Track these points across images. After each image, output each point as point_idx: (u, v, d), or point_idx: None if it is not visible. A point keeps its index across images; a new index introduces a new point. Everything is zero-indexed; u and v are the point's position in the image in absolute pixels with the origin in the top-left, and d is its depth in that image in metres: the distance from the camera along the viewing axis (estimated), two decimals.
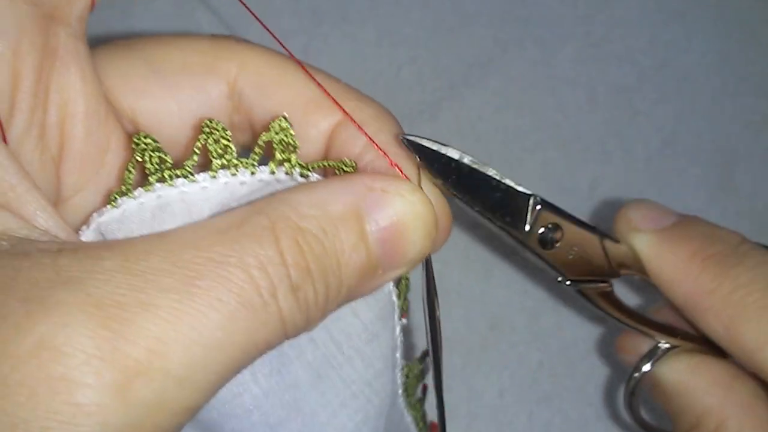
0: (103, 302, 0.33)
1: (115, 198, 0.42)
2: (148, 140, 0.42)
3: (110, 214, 0.42)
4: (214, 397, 0.36)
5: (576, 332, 0.77)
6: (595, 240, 0.53)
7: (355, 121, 0.46)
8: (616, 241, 0.55)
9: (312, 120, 0.46)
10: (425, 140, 0.47)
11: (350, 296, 0.41)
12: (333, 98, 0.47)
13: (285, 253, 0.37)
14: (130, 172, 0.42)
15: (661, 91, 0.84)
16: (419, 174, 0.46)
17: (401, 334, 0.49)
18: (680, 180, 0.82)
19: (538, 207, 0.50)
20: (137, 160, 0.42)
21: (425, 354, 0.53)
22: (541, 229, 0.51)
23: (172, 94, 0.46)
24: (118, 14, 0.84)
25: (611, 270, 0.54)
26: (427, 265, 0.48)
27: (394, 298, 0.48)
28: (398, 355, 0.49)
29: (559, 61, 0.85)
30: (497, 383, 0.75)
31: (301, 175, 0.43)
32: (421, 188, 0.44)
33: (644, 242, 0.55)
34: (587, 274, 0.53)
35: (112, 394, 0.31)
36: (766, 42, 0.86)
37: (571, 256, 0.51)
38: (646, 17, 0.87)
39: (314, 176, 0.44)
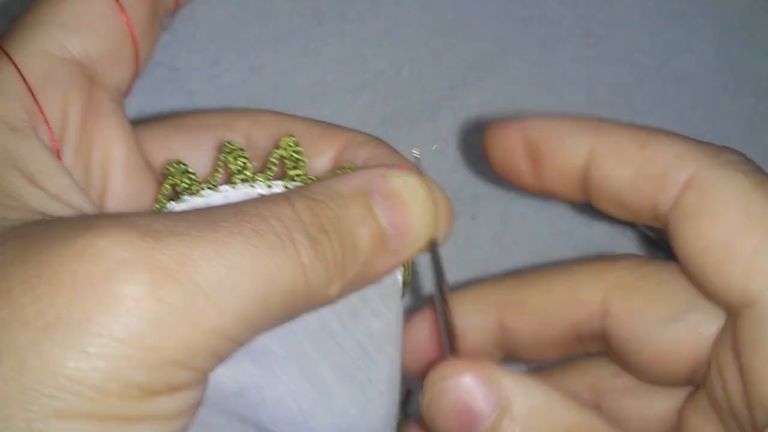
0: (137, 225, 0.36)
1: (156, 210, 0.47)
2: (179, 165, 0.48)
3: None
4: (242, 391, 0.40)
5: None
6: None
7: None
8: None
9: (317, 150, 0.52)
10: None
11: (367, 271, 0.44)
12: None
13: (300, 212, 0.41)
14: (163, 194, 0.47)
15: (661, 91, 0.84)
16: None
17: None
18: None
19: None
20: (169, 186, 0.48)
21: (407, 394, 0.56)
22: None
23: (195, 145, 0.51)
24: None
25: None
26: (435, 256, 0.50)
27: (400, 284, 0.51)
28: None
29: (559, 61, 0.85)
30: None
31: None
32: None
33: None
34: None
35: (145, 291, 0.34)
36: (766, 42, 0.86)
37: None
38: (646, 17, 0.87)
39: None
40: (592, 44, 0.85)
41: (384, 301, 0.49)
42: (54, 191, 0.43)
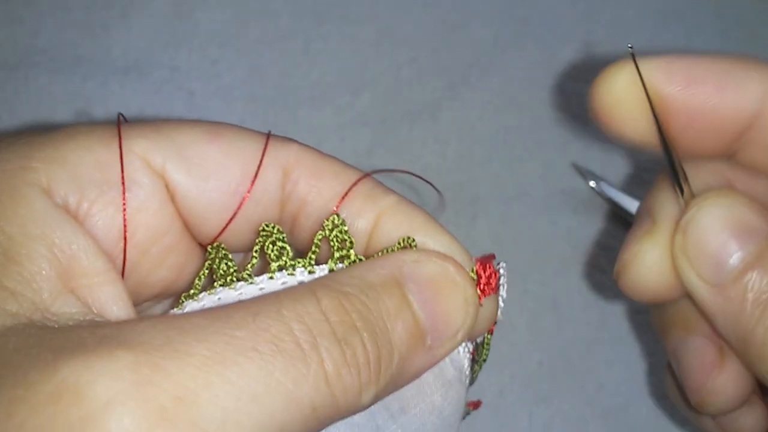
0: (134, 347, 0.32)
1: (182, 301, 0.44)
2: (220, 249, 0.45)
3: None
4: None
5: (576, 332, 0.77)
6: None
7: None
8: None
9: (359, 210, 0.46)
10: None
11: (403, 369, 0.40)
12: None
13: (327, 311, 0.37)
14: (199, 278, 0.45)
15: None
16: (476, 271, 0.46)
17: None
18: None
19: None
20: (208, 269, 0.45)
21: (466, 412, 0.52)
22: None
23: (231, 159, 0.46)
24: (117, 14, 0.84)
25: None
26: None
27: (467, 382, 0.47)
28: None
29: (559, 61, 0.85)
30: (497, 383, 0.75)
31: None
32: (462, 268, 0.44)
33: (703, 294, 0.46)
34: None
35: None
36: (766, 42, 0.86)
37: None
38: (646, 17, 0.87)
39: None
40: (592, 44, 0.86)
41: (444, 392, 0.44)
42: (72, 284, 0.39)
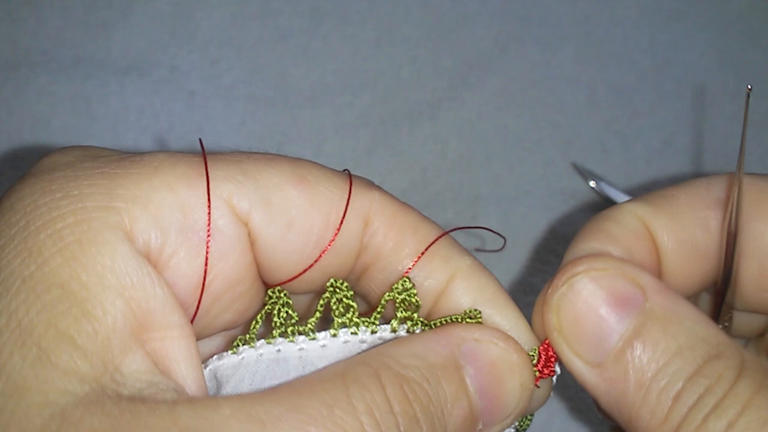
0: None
1: (238, 345, 0.43)
2: (281, 295, 0.44)
3: (229, 359, 0.43)
4: None
5: None
6: None
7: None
8: None
9: (432, 272, 0.46)
10: None
11: None
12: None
13: (392, 400, 0.37)
14: (257, 322, 0.43)
15: (661, 91, 0.84)
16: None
17: None
18: (680, 180, 0.82)
19: None
20: (267, 313, 0.44)
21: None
22: None
23: (315, 208, 0.45)
24: (117, 14, 0.84)
25: None
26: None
27: None
28: None
29: (559, 61, 0.85)
30: None
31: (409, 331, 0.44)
32: (518, 344, 0.44)
33: (585, 375, 0.44)
34: None
35: None
36: (766, 42, 0.86)
37: None
38: (646, 17, 0.87)
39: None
40: (592, 44, 0.86)
41: None
42: (143, 336, 0.39)
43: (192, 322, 0.42)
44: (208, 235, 0.41)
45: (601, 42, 0.86)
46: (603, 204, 0.80)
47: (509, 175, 0.81)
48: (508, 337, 0.43)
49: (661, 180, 0.82)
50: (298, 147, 0.80)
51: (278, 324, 0.43)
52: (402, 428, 0.37)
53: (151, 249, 0.40)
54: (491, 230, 0.55)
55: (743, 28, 0.87)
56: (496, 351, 0.42)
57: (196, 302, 0.42)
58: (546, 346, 0.45)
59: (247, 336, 0.43)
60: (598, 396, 0.44)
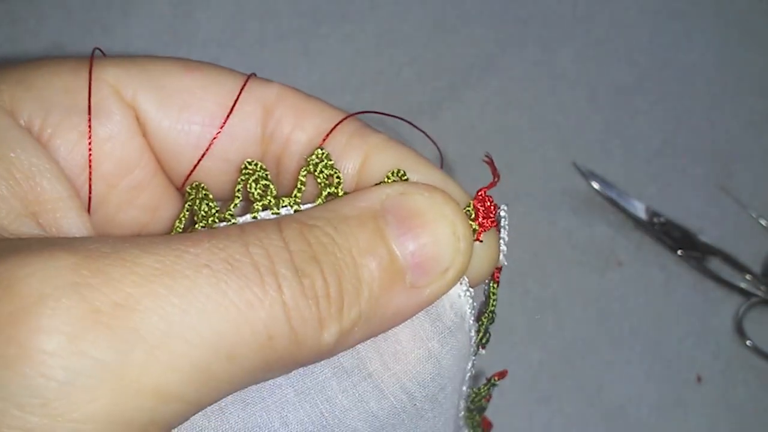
0: (78, 251, 0.30)
1: None
2: (200, 189, 0.41)
3: None
4: None
5: (576, 332, 0.77)
6: None
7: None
8: None
9: (346, 149, 0.43)
10: None
11: (378, 308, 0.36)
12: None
13: (288, 239, 0.34)
14: (180, 221, 0.41)
15: (661, 91, 0.84)
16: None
17: (473, 367, 0.45)
18: (680, 180, 0.82)
19: None
20: (188, 211, 0.41)
21: (489, 380, 0.49)
22: None
23: (206, 92, 0.43)
24: (117, 14, 0.84)
25: None
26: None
27: (473, 333, 0.43)
28: (465, 388, 0.45)
29: (559, 61, 0.85)
30: (497, 383, 0.75)
31: None
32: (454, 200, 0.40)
33: None
34: None
35: (65, 341, 0.28)
36: (766, 42, 0.86)
37: None
38: (646, 17, 0.87)
39: None
40: (592, 44, 0.85)
41: (442, 339, 0.40)
42: (33, 208, 0.37)
43: (89, 209, 0.41)
44: (90, 110, 0.41)
45: (601, 42, 0.86)
46: (603, 204, 0.80)
47: (509, 175, 0.81)
48: (436, 188, 0.38)
49: (661, 180, 0.82)
50: None
51: (201, 217, 0.40)
52: (296, 264, 0.33)
53: (33, 126, 0.39)
54: (411, 123, 0.49)
55: (743, 28, 0.87)
56: (421, 200, 0.37)
57: (87, 184, 0.41)
58: (481, 197, 0.42)
59: (171, 233, 0.40)
60: None
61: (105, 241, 0.32)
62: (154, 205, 0.44)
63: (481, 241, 0.41)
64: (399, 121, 0.51)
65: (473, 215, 0.41)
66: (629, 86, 0.84)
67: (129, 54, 0.86)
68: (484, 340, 0.44)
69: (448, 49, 0.84)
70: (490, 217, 0.42)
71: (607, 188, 0.79)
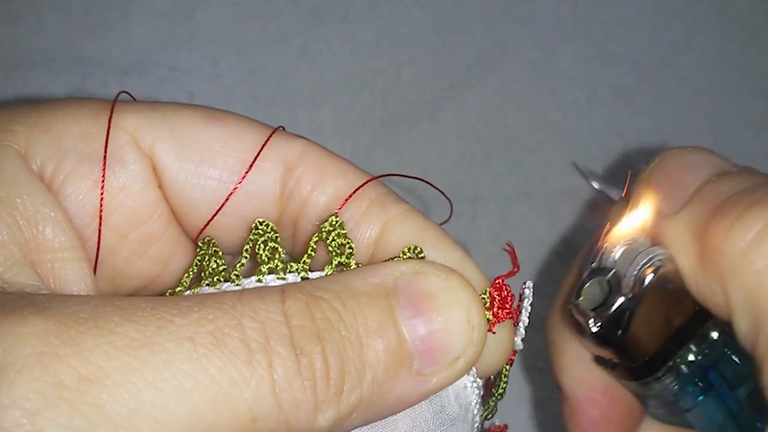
0: (51, 316, 0.28)
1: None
2: (210, 245, 0.40)
3: None
4: None
5: None
6: None
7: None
8: None
9: (365, 216, 0.41)
10: None
11: (381, 394, 0.33)
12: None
13: (290, 313, 0.32)
14: (188, 275, 0.40)
15: (661, 91, 0.84)
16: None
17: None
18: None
19: None
20: (197, 266, 0.40)
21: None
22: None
23: (227, 146, 0.42)
24: (117, 14, 0.84)
25: None
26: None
27: (477, 421, 0.41)
28: None
29: (559, 61, 0.85)
30: None
31: None
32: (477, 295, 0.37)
33: (664, 227, 0.41)
34: None
35: (19, 421, 0.26)
36: (766, 42, 0.86)
37: None
38: (646, 17, 0.87)
39: None
40: (592, 44, 0.85)
41: (442, 430, 0.38)
42: (33, 256, 0.36)
43: (97, 257, 0.40)
44: (105, 158, 0.40)
45: (601, 42, 0.86)
46: (604, 204, 0.80)
47: (509, 175, 0.81)
48: (453, 270, 0.36)
49: None
50: None
51: (207, 274, 0.39)
52: (294, 342, 0.31)
53: (45, 172, 0.38)
54: (430, 183, 0.47)
55: (743, 28, 0.87)
56: (437, 282, 0.35)
57: (96, 235, 0.40)
58: (498, 285, 0.40)
59: (177, 289, 0.40)
60: (678, 244, 0.40)
61: (87, 304, 0.30)
62: (166, 257, 0.43)
63: (494, 332, 0.40)
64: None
65: (488, 303, 0.40)
66: (629, 86, 0.84)
67: (129, 54, 0.86)
68: (489, 416, 0.43)
69: (448, 49, 0.84)
70: (506, 308, 0.40)
71: (607, 188, 0.79)
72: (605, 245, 0.44)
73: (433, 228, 0.41)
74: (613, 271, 0.43)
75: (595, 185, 0.79)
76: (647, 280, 0.42)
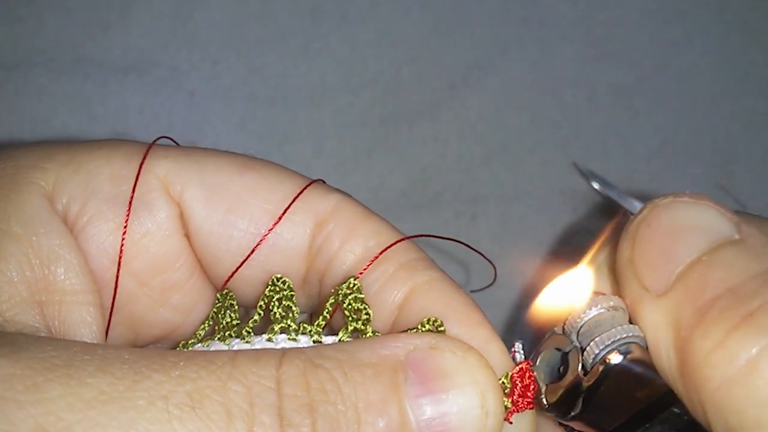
0: (21, 359, 0.27)
1: (179, 347, 0.39)
2: (227, 298, 0.39)
3: None
4: None
5: None
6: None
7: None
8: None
9: (391, 281, 0.39)
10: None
11: None
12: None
13: (283, 380, 0.29)
14: (203, 327, 0.39)
15: (661, 91, 0.84)
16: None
17: None
18: (680, 180, 0.82)
19: None
20: (212, 317, 0.39)
21: None
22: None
23: (257, 197, 0.40)
24: (117, 14, 0.84)
25: None
26: None
27: None
28: None
29: (559, 61, 0.85)
30: None
31: None
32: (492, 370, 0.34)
33: (647, 309, 0.37)
34: None
35: None
36: (766, 42, 0.86)
37: None
38: (646, 17, 0.87)
39: None
40: (592, 44, 0.85)
41: None
42: (42, 296, 0.35)
43: (113, 303, 0.39)
44: (131, 202, 0.39)
45: (601, 42, 0.85)
46: (604, 204, 0.80)
47: (509, 175, 0.81)
48: (471, 349, 0.33)
49: (661, 180, 0.82)
50: (298, 147, 0.80)
51: (222, 327, 0.38)
52: (282, 412, 0.28)
53: (70, 211, 0.38)
54: (467, 245, 0.44)
55: (743, 28, 0.87)
56: (452, 360, 0.32)
57: (114, 280, 0.38)
58: (522, 371, 0.37)
59: (190, 340, 0.39)
60: (657, 337, 0.36)
61: (67, 350, 0.28)
62: (188, 306, 0.42)
63: (511, 423, 0.36)
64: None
65: (508, 389, 0.37)
66: (629, 86, 0.84)
67: (129, 54, 0.86)
68: None
69: (448, 49, 0.84)
70: (528, 397, 0.37)
71: (607, 188, 0.79)
72: (575, 309, 0.40)
73: (462, 300, 0.38)
74: (574, 345, 0.39)
75: (595, 185, 0.79)
76: (612, 361, 0.37)
